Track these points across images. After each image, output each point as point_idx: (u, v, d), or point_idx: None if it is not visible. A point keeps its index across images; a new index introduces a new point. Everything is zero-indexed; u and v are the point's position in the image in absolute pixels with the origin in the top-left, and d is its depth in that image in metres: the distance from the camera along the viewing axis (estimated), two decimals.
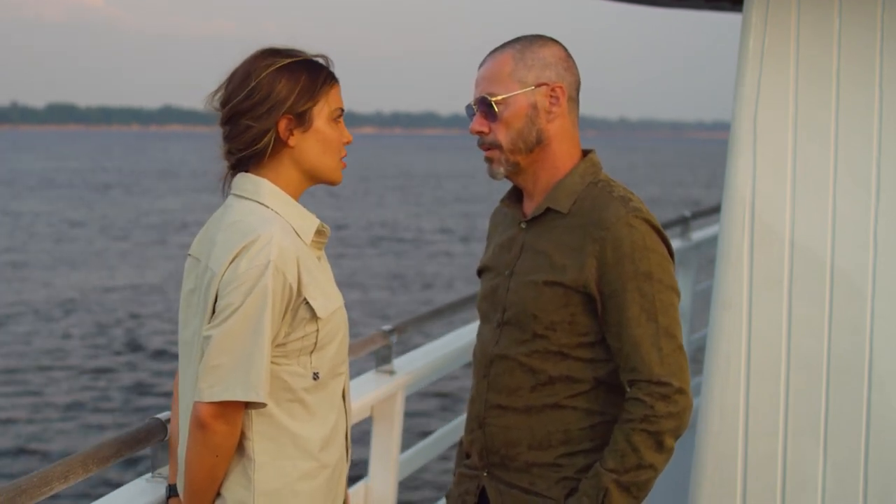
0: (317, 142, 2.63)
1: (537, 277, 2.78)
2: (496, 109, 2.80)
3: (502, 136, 2.81)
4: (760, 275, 3.53)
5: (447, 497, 3.08)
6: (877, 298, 3.45)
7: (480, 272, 3.02)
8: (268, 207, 2.59)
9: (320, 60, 2.67)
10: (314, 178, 2.68)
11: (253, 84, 2.58)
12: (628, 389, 2.72)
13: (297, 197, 2.66)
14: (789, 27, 3.55)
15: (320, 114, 2.63)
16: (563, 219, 2.80)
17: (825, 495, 3.47)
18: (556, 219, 2.81)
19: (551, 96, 2.81)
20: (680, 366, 2.70)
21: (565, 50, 2.87)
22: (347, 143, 2.69)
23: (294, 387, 2.59)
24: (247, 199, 2.61)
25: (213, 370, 2.47)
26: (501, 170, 2.84)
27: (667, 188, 59.56)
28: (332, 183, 2.70)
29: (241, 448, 2.58)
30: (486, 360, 2.90)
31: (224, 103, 2.63)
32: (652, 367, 2.68)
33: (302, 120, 2.60)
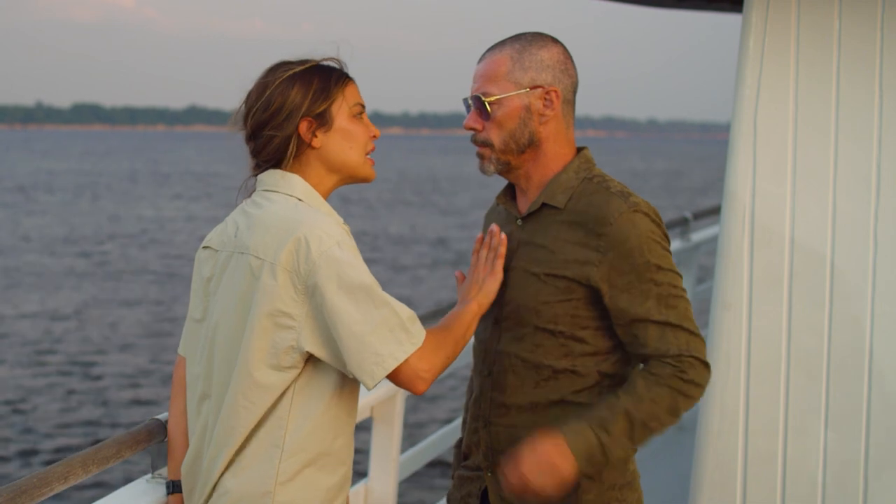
0: (341, 139, 2.67)
1: (538, 270, 2.78)
2: (489, 109, 2.81)
3: (494, 135, 2.82)
4: (760, 275, 3.54)
5: (448, 500, 3.05)
6: (877, 297, 3.45)
7: None
8: (301, 201, 2.63)
9: (332, 64, 2.72)
10: (345, 176, 2.71)
11: (268, 95, 2.64)
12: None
13: (325, 197, 2.70)
14: (789, 27, 3.56)
15: (340, 111, 2.66)
16: (560, 214, 2.80)
17: (825, 494, 3.47)
18: (552, 214, 2.81)
19: (545, 99, 2.81)
20: (703, 346, 2.71)
21: (565, 51, 2.87)
22: (375, 137, 2.72)
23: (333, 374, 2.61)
24: (281, 193, 2.65)
25: (379, 328, 2.48)
26: (492, 167, 2.85)
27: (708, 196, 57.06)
28: (365, 180, 2.73)
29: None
30: (487, 359, 2.89)
31: (245, 120, 2.69)
32: (679, 346, 2.67)
33: (322, 120, 2.65)
